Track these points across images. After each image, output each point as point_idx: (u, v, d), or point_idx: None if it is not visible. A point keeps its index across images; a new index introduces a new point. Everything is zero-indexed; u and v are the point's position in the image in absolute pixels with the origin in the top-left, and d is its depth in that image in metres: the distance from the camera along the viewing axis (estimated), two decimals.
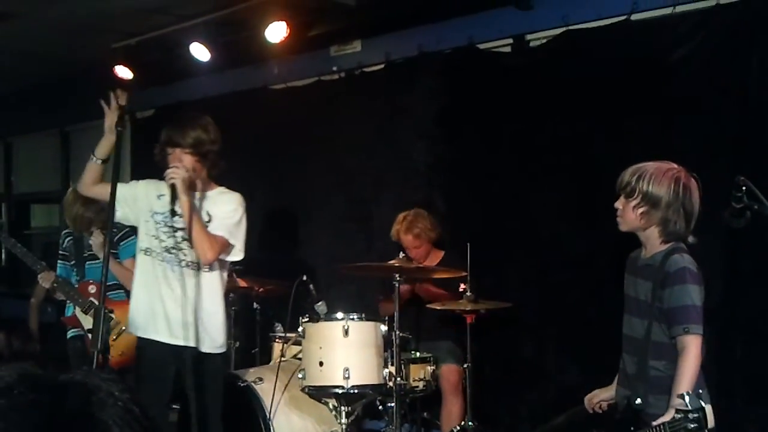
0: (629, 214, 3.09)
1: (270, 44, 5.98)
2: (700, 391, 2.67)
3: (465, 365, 4.59)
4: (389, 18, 5.91)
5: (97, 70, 7.14)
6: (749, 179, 2.84)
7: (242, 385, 4.38)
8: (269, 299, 5.30)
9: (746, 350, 4.24)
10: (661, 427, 2.66)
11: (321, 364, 4.11)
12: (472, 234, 4.87)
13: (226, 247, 3.78)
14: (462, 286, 4.53)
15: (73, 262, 4.82)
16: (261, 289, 5.33)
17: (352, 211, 6.18)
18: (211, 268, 3.78)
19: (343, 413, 4.17)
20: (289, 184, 6.61)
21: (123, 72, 6.95)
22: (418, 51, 5.75)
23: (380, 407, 4.51)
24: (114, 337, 4.51)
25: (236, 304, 5.34)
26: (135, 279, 3.89)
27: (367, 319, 4.23)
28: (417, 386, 4.48)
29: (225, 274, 3.91)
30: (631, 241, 3.24)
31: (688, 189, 3.01)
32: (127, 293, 4.20)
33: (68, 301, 4.73)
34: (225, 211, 3.82)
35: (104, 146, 3.83)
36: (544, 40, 5.17)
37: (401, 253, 4.65)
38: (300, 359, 4.38)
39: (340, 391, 4.08)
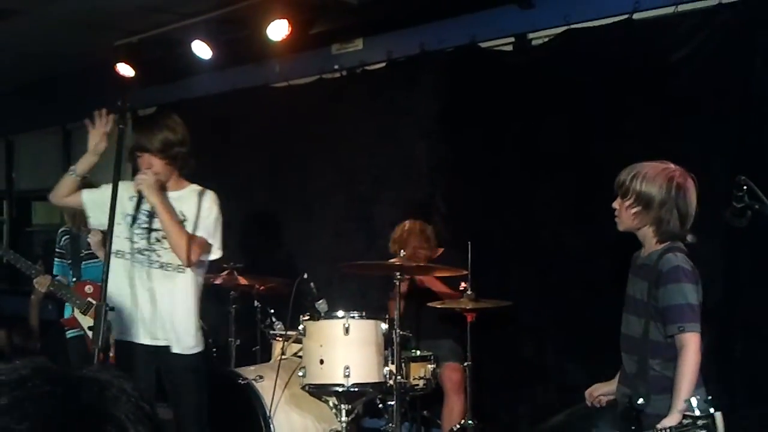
0: (624, 214, 3.10)
1: (271, 42, 5.98)
2: (709, 398, 2.66)
3: (465, 364, 4.59)
4: (391, 16, 5.90)
5: (99, 68, 7.16)
6: (750, 179, 2.84)
7: (242, 382, 4.38)
8: (270, 297, 5.30)
9: (746, 350, 4.24)
10: (667, 431, 2.64)
11: (321, 362, 4.11)
12: (473, 233, 4.86)
13: (207, 246, 3.77)
14: (463, 284, 4.53)
15: (69, 261, 4.82)
16: (262, 287, 5.33)
17: (353, 209, 6.18)
18: (185, 269, 3.75)
19: (344, 411, 4.17)
20: (290, 182, 6.61)
21: (125, 70, 6.95)
22: (419, 49, 5.74)
23: (380, 405, 4.51)
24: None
25: (237, 302, 5.34)
26: (111, 283, 3.86)
27: (368, 318, 4.23)
28: (417, 385, 4.48)
29: (200, 275, 3.89)
30: (632, 241, 3.24)
31: (682, 188, 3.00)
32: None
33: (66, 302, 4.73)
34: (200, 210, 3.79)
35: (85, 164, 3.87)
36: (546, 39, 5.17)
37: (401, 251, 4.65)
38: (300, 357, 4.38)
39: (341, 389, 4.08)
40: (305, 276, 4.57)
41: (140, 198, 3.58)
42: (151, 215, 3.69)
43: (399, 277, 4.29)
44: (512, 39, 5.36)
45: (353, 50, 6.28)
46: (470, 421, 4.52)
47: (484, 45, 5.47)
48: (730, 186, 2.89)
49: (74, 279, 4.78)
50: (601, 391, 3.35)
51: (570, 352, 4.96)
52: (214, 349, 5.62)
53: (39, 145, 9.75)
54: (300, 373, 4.22)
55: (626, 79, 4.71)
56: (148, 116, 3.76)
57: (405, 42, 5.87)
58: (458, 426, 4.62)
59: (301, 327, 4.29)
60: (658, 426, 2.73)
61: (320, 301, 4.55)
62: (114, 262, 3.78)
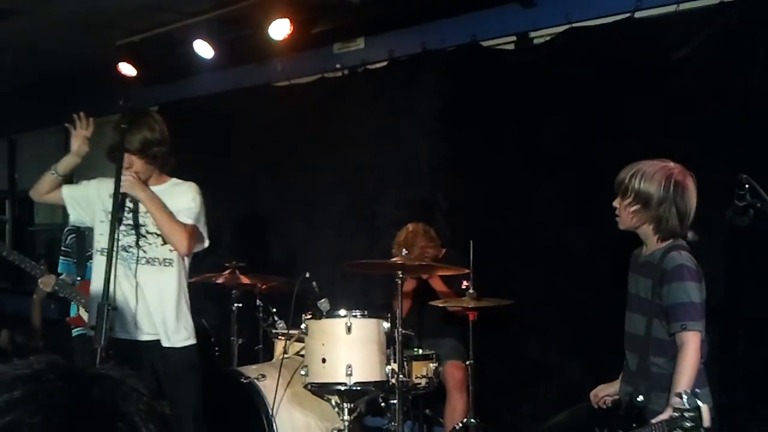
0: (624, 213, 3.11)
1: (273, 41, 5.98)
2: (698, 390, 2.68)
3: (467, 362, 4.59)
4: (393, 15, 5.90)
5: (101, 68, 7.16)
6: (752, 177, 2.84)
7: (245, 381, 4.39)
8: (272, 296, 5.30)
9: (748, 348, 4.24)
10: (659, 425, 2.67)
11: (324, 360, 4.12)
12: (475, 232, 4.86)
13: (198, 235, 3.79)
14: (465, 283, 4.53)
15: (75, 260, 4.84)
16: (264, 286, 5.34)
17: (355, 208, 6.18)
18: (172, 263, 3.77)
19: (346, 410, 4.18)
20: (292, 181, 6.61)
21: (126, 69, 6.96)
22: (421, 48, 5.74)
23: (383, 404, 4.51)
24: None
25: (239, 301, 5.35)
26: (93, 280, 3.87)
27: (370, 316, 4.24)
28: (419, 383, 4.48)
29: (186, 268, 3.89)
30: (633, 240, 3.25)
31: (680, 186, 3.01)
32: None
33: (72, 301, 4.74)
34: (184, 202, 3.80)
35: (66, 165, 3.89)
36: (548, 38, 5.17)
37: (404, 250, 4.66)
38: (302, 356, 4.39)
39: (343, 388, 4.08)
40: (307, 275, 4.57)
41: (123, 201, 3.57)
42: (134, 211, 3.69)
43: (401, 276, 4.29)
44: (514, 38, 5.36)
45: (355, 49, 6.28)
46: (473, 420, 4.52)
47: (485, 44, 5.46)
48: (731, 184, 2.89)
49: (79, 278, 4.79)
50: (606, 392, 3.35)
51: (572, 350, 4.96)
52: (217, 348, 5.63)
53: (41, 144, 9.75)
54: (302, 372, 4.22)
55: (628, 78, 4.71)
56: (126, 116, 3.74)
57: (406, 41, 5.86)
58: (461, 425, 4.62)
59: (303, 326, 4.29)
60: (653, 420, 2.75)
61: (322, 300, 4.55)
62: (99, 260, 3.80)
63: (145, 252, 3.74)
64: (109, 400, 0.93)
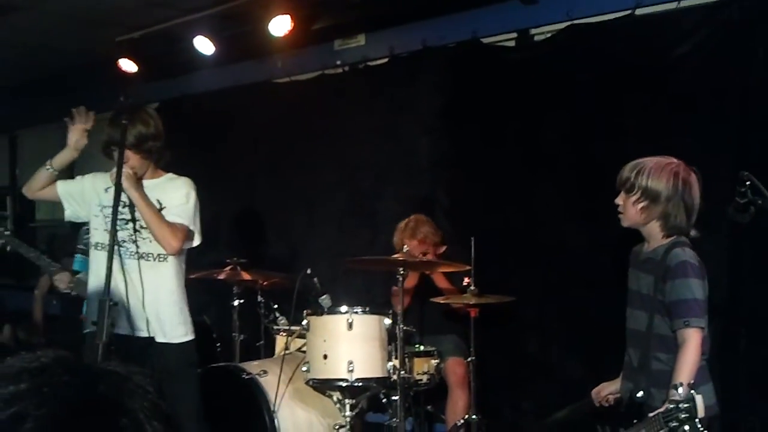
0: (630, 210, 3.11)
1: (274, 38, 5.98)
2: (692, 381, 2.69)
3: (469, 359, 4.60)
4: (393, 12, 5.90)
5: (102, 64, 7.16)
6: (753, 174, 2.85)
7: (246, 377, 4.39)
8: (273, 292, 5.31)
9: (750, 345, 4.24)
10: (656, 417, 2.69)
11: (325, 357, 4.12)
12: (476, 228, 4.87)
13: (189, 234, 3.78)
14: (466, 280, 4.54)
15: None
16: (265, 283, 5.34)
17: (355, 204, 6.19)
18: (166, 258, 3.76)
19: (347, 406, 4.19)
20: (293, 178, 6.61)
21: (127, 65, 6.96)
22: (422, 45, 5.74)
23: (384, 400, 4.52)
24: None
25: (240, 297, 5.35)
26: (90, 275, 3.86)
27: (371, 313, 4.24)
28: (421, 380, 4.49)
29: (182, 263, 3.89)
30: (633, 236, 3.26)
31: (687, 183, 3.03)
32: None
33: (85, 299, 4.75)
34: (177, 198, 3.79)
35: (63, 160, 3.91)
36: (548, 35, 5.17)
37: (405, 247, 4.66)
38: (304, 352, 4.40)
39: (344, 384, 4.09)
40: (309, 271, 4.57)
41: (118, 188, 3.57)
42: (128, 206, 3.68)
43: (402, 272, 4.30)
44: (515, 34, 5.36)
45: (355, 46, 6.28)
46: (474, 416, 4.53)
47: (486, 41, 5.46)
48: (732, 182, 2.90)
49: None
50: (609, 391, 3.36)
51: (573, 347, 4.97)
52: (218, 344, 5.64)
53: (42, 140, 9.75)
54: (304, 368, 4.23)
55: (628, 75, 4.71)
56: (120, 110, 3.73)
57: (407, 38, 5.86)
58: (462, 421, 4.63)
59: (304, 322, 4.29)
60: (650, 414, 2.77)
61: (324, 297, 4.56)
62: (94, 254, 3.80)
63: (139, 247, 3.73)
64: (115, 396, 0.94)
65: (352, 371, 4.04)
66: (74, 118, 3.87)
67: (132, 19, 6.79)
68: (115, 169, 3.56)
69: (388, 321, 4.21)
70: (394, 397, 4.26)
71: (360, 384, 4.10)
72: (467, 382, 4.68)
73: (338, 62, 6.33)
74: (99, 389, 0.94)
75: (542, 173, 5.14)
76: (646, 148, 3.38)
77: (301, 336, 4.50)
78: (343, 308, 4.21)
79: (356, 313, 4.17)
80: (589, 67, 4.89)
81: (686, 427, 2.55)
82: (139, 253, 3.73)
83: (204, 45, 6.47)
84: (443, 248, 5.11)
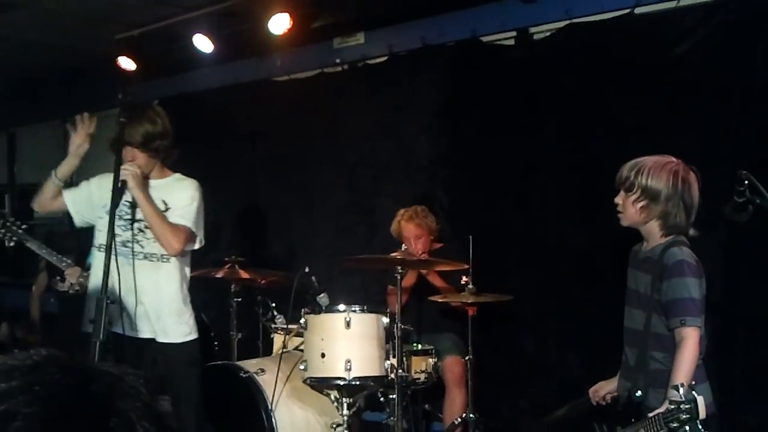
0: (629, 209, 3.11)
1: (273, 36, 5.98)
2: (693, 382, 2.69)
3: (467, 358, 4.60)
4: (392, 10, 5.90)
5: (101, 62, 7.16)
6: (752, 173, 2.85)
7: (244, 376, 4.39)
8: (271, 291, 5.31)
9: (747, 344, 4.25)
10: (656, 418, 2.69)
11: (323, 355, 4.12)
12: (474, 227, 4.87)
13: (191, 235, 3.77)
14: (464, 278, 4.54)
15: None
16: (263, 281, 5.34)
17: (354, 203, 6.19)
18: (168, 259, 3.76)
19: (345, 405, 4.19)
20: (292, 176, 6.61)
21: (126, 63, 6.96)
22: (421, 43, 5.74)
23: (382, 399, 4.52)
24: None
25: (238, 296, 5.35)
26: (92, 276, 3.85)
27: (369, 311, 4.24)
28: (418, 378, 4.49)
29: (186, 264, 3.89)
30: (632, 236, 3.25)
31: (686, 182, 3.02)
32: None
33: None
34: (183, 199, 3.78)
35: (66, 168, 3.88)
36: (548, 33, 5.17)
37: (403, 245, 4.66)
38: (302, 351, 4.39)
39: (342, 383, 4.09)
40: (306, 270, 4.57)
41: (123, 188, 3.56)
42: (133, 206, 3.68)
43: (401, 270, 4.30)
44: (514, 33, 5.36)
45: (354, 44, 6.27)
46: (471, 415, 4.53)
47: (485, 39, 5.46)
48: (731, 181, 2.90)
49: None
50: (606, 390, 3.35)
51: (571, 346, 4.97)
52: (216, 343, 5.64)
53: (40, 138, 9.76)
54: (301, 367, 4.23)
55: (628, 74, 4.71)
56: (128, 109, 3.73)
57: (406, 36, 5.86)
58: (459, 420, 4.63)
59: (302, 321, 4.29)
60: (649, 414, 2.76)
61: (321, 295, 4.56)
62: (98, 255, 3.79)
63: (142, 247, 3.73)
64: (106, 396, 0.94)
65: (349, 370, 4.04)
66: (76, 125, 3.85)
67: (131, 17, 6.79)
68: (123, 166, 3.57)
69: (385, 320, 4.21)
70: (391, 396, 4.26)
71: (357, 382, 4.10)
72: (465, 381, 4.68)
73: (337, 60, 6.33)
74: (91, 389, 0.94)
75: (541, 172, 5.14)
76: (645, 146, 3.38)
77: (299, 334, 4.50)
78: (341, 307, 4.21)
79: (354, 311, 4.16)
80: (589, 65, 4.89)
81: (687, 428, 2.54)
82: (144, 253, 3.73)
83: (203, 43, 6.46)
84: (440, 245, 5.11)
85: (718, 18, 4.40)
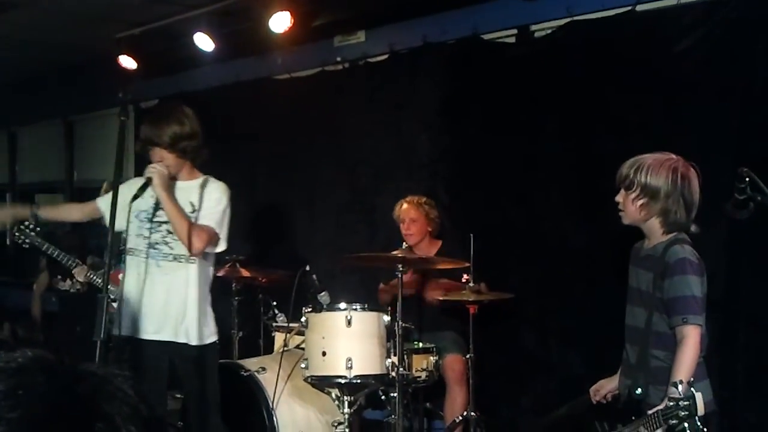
0: (630, 207, 3.10)
1: (274, 34, 5.98)
2: (692, 379, 2.69)
3: (467, 356, 4.60)
4: (393, 8, 5.90)
5: (102, 60, 7.16)
6: (753, 170, 2.84)
7: (245, 374, 4.39)
8: (272, 289, 5.31)
9: (748, 341, 4.24)
10: (656, 415, 2.69)
11: (324, 354, 4.12)
12: (475, 225, 4.86)
13: (214, 236, 3.77)
14: (465, 276, 4.54)
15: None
16: (264, 279, 5.35)
17: (355, 201, 6.18)
18: (195, 260, 3.76)
19: (346, 403, 4.18)
20: (293, 174, 6.61)
21: (127, 62, 6.96)
22: (422, 41, 5.73)
23: (383, 397, 4.52)
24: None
25: (240, 294, 5.35)
26: (124, 281, 3.87)
27: (370, 310, 4.24)
28: (419, 376, 4.49)
29: (210, 266, 3.91)
30: (633, 234, 3.25)
31: (686, 178, 3.02)
32: None
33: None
34: (210, 200, 3.81)
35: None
36: (549, 31, 5.15)
37: (404, 243, 4.66)
38: (303, 349, 4.39)
39: (343, 381, 4.09)
40: (307, 268, 4.57)
41: (147, 184, 3.60)
42: (162, 208, 3.71)
43: (402, 269, 4.29)
44: (515, 31, 5.34)
45: (355, 42, 6.27)
46: (472, 413, 4.53)
47: (486, 37, 5.45)
48: (732, 178, 2.89)
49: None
50: (608, 388, 3.35)
51: (572, 344, 4.96)
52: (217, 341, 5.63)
53: (41, 137, 9.77)
54: (302, 365, 4.23)
55: (629, 71, 4.70)
56: (157, 109, 3.77)
57: (407, 34, 5.85)
58: (460, 418, 4.63)
59: (303, 319, 4.29)
60: (649, 411, 2.76)
61: (322, 293, 4.56)
62: (128, 260, 3.84)
63: (171, 249, 3.74)
64: (92, 399, 0.92)
65: (350, 368, 4.04)
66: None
67: (132, 16, 6.79)
68: (151, 165, 3.62)
69: (386, 318, 4.21)
70: (392, 394, 4.26)
71: (359, 381, 4.10)
72: (466, 379, 4.68)
73: (338, 59, 6.32)
74: (76, 392, 0.92)
75: (542, 170, 5.14)
76: (646, 144, 3.37)
77: (300, 333, 4.50)
78: (342, 305, 4.21)
79: (355, 310, 4.16)
80: (590, 63, 4.88)
81: (686, 425, 2.55)
82: (174, 254, 3.74)
83: (204, 42, 6.47)
84: (438, 242, 5.10)
85: (720, 15, 4.39)
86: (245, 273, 5.24)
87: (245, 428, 4.36)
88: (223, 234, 3.84)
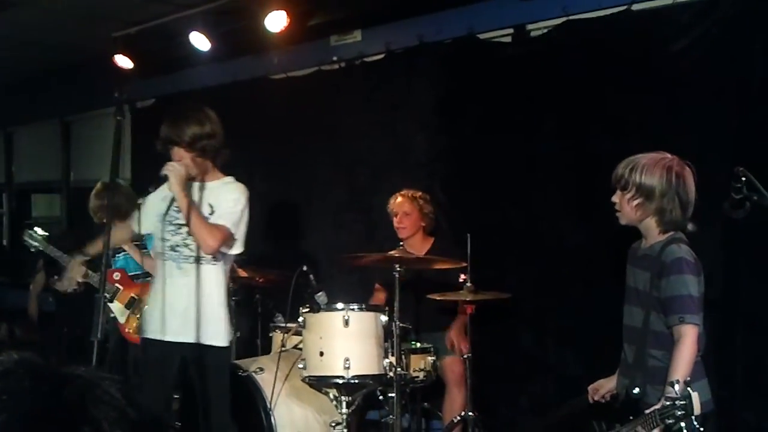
0: (626, 207, 3.11)
1: (270, 34, 5.97)
2: (689, 378, 2.70)
3: (465, 356, 4.59)
4: (389, 7, 5.89)
5: (98, 60, 7.14)
6: (749, 170, 2.84)
7: (243, 374, 4.39)
8: (270, 289, 5.31)
9: (746, 340, 4.25)
10: (652, 414, 2.70)
11: (321, 354, 4.12)
12: (472, 224, 4.86)
13: (229, 236, 3.76)
14: (462, 276, 4.53)
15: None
16: (262, 280, 5.34)
17: (352, 201, 6.18)
18: (213, 261, 3.76)
19: (344, 403, 4.18)
20: (290, 174, 6.61)
21: (123, 61, 6.94)
22: (418, 41, 5.73)
23: (381, 397, 4.52)
24: (138, 315, 4.73)
25: (237, 294, 5.34)
26: (152, 285, 3.94)
27: (368, 310, 4.24)
28: (417, 377, 4.49)
29: (227, 268, 3.91)
30: (631, 233, 3.25)
31: (681, 177, 3.02)
32: None
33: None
34: (227, 201, 3.80)
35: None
36: (545, 30, 5.16)
37: (401, 243, 4.66)
38: (300, 349, 4.39)
39: (341, 381, 4.09)
40: (305, 268, 4.57)
41: (164, 181, 3.62)
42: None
43: (399, 269, 4.29)
44: (511, 30, 5.34)
45: (352, 42, 6.26)
46: (470, 413, 4.52)
47: (482, 36, 5.45)
48: (729, 177, 2.90)
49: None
50: (606, 388, 3.35)
51: (570, 344, 4.96)
52: None
53: (38, 137, 9.75)
54: (300, 366, 4.23)
55: (625, 71, 4.70)
56: (178, 109, 3.79)
57: (403, 33, 5.85)
58: (458, 417, 4.62)
59: (300, 319, 4.29)
60: (646, 411, 2.77)
61: (320, 293, 4.55)
62: (156, 264, 3.86)
63: (191, 250, 3.74)
64: (78, 403, 0.91)
65: (348, 368, 4.04)
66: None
67: (128, 15, 6.78)
68: (169, 163, 3.63)
69: (384, 318, 4.21)
70: (390, 394, 4.25)
71: (356, 381, 4.10)
72: (464, 379, 4.68)
73: (334, 58, 6.32)
74: (62, 396, 0.91)
75: (539, 169, 5.14)
76: (643, 143, 3.37)
77: (298, 333, 4.50)
78: (340, 305, 4.21)
79: (352, 310, 4.16)
80: (586, 62, 4.88)
81: (682, 424, 2.56)
82: (195, 256, 3.74)
83: (200, 41, 6.45)
84: (431, 239, 5.09)
85: (716, 14, 4.39)
86: (242, 273, 5.23)
87: (243, 429, 4.35)
88: (239, 235, 3.82)
